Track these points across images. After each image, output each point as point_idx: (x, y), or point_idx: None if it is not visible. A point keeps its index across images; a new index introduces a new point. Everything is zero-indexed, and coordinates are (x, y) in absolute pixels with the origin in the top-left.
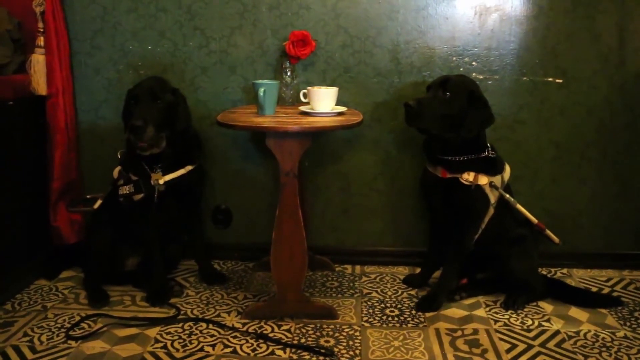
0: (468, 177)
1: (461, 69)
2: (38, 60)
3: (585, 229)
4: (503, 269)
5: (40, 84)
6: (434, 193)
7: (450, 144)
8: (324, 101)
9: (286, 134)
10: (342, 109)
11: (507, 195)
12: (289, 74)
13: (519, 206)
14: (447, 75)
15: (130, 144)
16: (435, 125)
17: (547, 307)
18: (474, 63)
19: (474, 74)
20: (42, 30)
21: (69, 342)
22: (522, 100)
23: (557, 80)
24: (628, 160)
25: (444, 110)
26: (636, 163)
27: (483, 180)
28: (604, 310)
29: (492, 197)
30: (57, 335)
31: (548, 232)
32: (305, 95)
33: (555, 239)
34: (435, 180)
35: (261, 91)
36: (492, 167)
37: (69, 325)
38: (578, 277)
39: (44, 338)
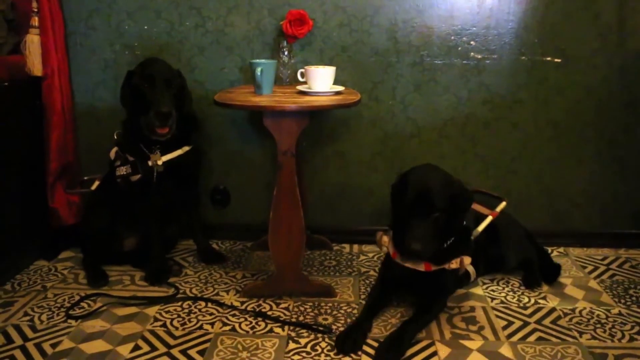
0: (456, 265)
1: (459, 48)
2: (33, 41)
3: (582, 209)
4: (504, 268)
5: (35, 65)
6: (410, 284)
7: None
8: (321, 80)
9: (284, 113)
10: (339, 88)
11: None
12: (286, 53)
13: (480, 227)
14: (425, 185)
15: (128, 126)
16: (435, 247)
17: (543, 285)
18: (472, 42)
19: (472, 54)
20: (36, 10)
21: (69, 321)
22: (521, 80)
23: (556, 60)
24: (626, 141)
25: (436, 229)
26: (634, 143)
27: (467, 260)
28: (599, 288)
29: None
30: (57, 315)
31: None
32: (302, 75)
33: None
34: (412, 273)
35: (258, 71)
36: (469, 240)
37: (68, 305)
38: (575, 255)
39: (44, 317)
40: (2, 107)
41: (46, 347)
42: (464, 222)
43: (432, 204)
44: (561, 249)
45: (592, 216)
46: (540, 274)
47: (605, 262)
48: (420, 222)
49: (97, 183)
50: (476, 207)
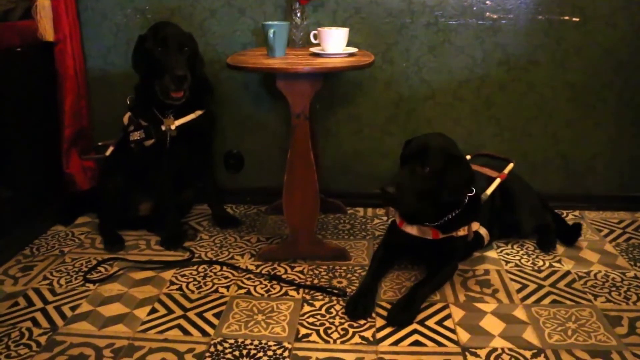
0: (464, 232)
1: (474, 8)
2: (44, 6)
3: (599, 172)
4: (520, 234)
5: (47, 30)
6: (418, 251)
7: (438, 206)
8: (334, 42)
9: (297, 75)
10: (353, 50)
11: (481, 201)
12: (298, 15)
13: (489, 190)
14: (424, 141)
15: (141, 91)
16: (415, 204)
17: (558, 248)
18: (487, 2)
19: (487, 13)
20: None
21: (87, 284)
22: (537, 40)
23: (574, 19)
24: None
25: (424, 187)
26: None
27: (475, 226)
28: (614, 251)
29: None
30: (76, 279)
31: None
32: (315, 37)
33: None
34: (419, 241)
35: (271, 32)
36: (478, 208)
37: (86, 269)
38: (590, 218)
39: (63, 281)
40: (16, 72)
41: (66, 309)
42: (474, 191)
43: (424, 158)
44: (577, 213)
45: (608, 179)
46: (559, 237)
47: (621, 225)
48: (404, 170)
49: (111, 148)
50: (485, 170)
